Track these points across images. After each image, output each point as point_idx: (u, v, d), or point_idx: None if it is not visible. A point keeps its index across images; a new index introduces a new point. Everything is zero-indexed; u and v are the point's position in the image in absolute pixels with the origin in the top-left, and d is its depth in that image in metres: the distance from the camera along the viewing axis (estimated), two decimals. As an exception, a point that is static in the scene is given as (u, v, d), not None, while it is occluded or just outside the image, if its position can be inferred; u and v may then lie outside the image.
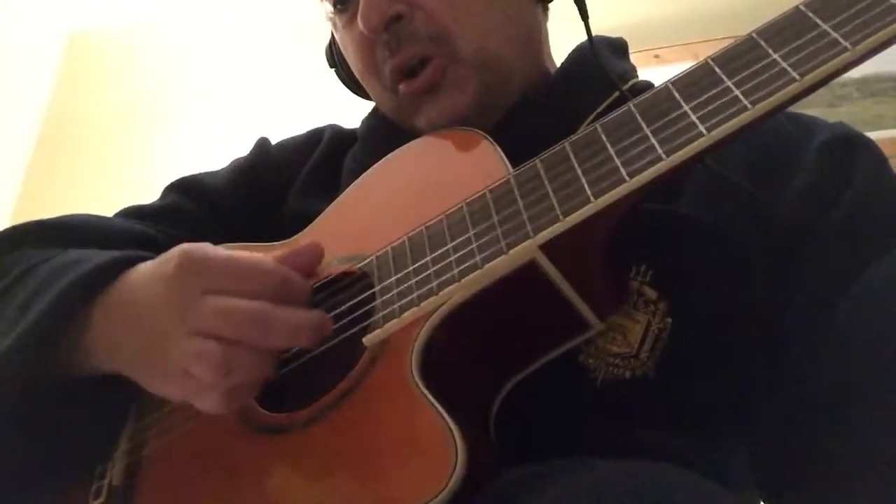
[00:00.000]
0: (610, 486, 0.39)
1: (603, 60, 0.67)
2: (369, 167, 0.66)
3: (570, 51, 0.72)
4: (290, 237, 0.67)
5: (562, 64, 0.71)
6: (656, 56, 1.97)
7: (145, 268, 0.55)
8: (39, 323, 0.54)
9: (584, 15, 0.67)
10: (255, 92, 2.27)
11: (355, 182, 0.66)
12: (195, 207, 0.77)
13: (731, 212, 0.57)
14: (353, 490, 0.47)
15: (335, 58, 0.78)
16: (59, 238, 0.67)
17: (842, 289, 0.51)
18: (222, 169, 0.82)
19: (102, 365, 0.56)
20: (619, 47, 0.73)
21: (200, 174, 0.81)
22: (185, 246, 0.52)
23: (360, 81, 0.72)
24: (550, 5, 0.72)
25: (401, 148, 0.65)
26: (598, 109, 0.64)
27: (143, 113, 2.35)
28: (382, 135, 0.73)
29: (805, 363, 0.53)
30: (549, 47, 0.74)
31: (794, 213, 0.56)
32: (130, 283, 0.55)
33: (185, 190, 0.78)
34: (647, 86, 0.70)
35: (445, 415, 0.44)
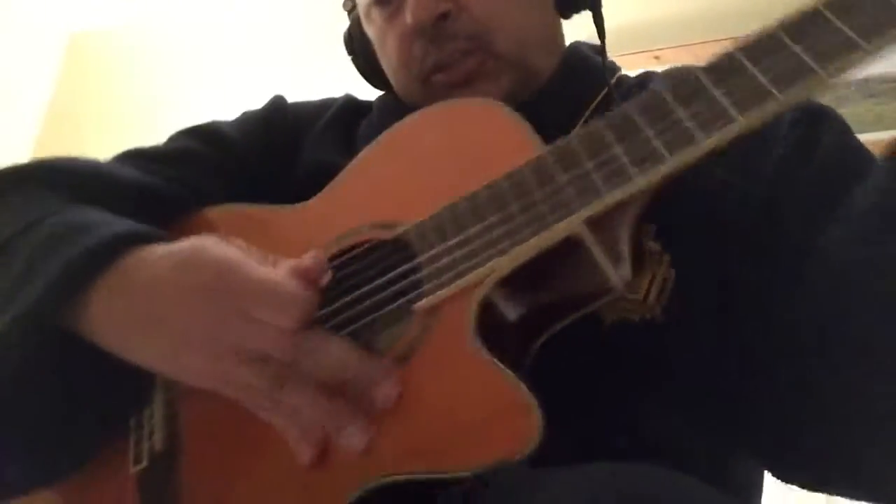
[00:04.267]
0: (603, 492, 0.39)
1: (594, 58, 0.76)
2: None
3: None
4: (305, 188, 0.67)
5: (559, 63, 0.75)
6: (656, 57, 1.97)
7: (165, 261, 0.54)
8: (37, 305, 0.53)
9: (599, 22, 0.74)
10: (256, 92, 2.27)
11: (375, 142, 0.65)
12: (211, 153, 0.76)
13: (722, 174, 0.61)
14: (426, 451, 0.49)
15: (354, 47, 0.79)
16: (68, 185, 0.65)
17: (826, 217, 0.56)
18: (234, 119, 0.81)
19: (111, 349, 0.55)
20: (598, 50, 0.78)
21: (213, 122, 0.80)
22: (217, 255, 0.52)
23: (389, 72, 0.75)
24: None
25: (422, 111, 0.65)
26: (599, 98, 0.70)
27: (143, 113, 2.35)
28: (400, 110, 0.74)
29: (797, 296, 0.56)
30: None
31: (775, 176, 0.62)
32: (146, 275, 0.54)
33: (199, 136, 0.77)
34: (634, 81, 0.76)
35: (516, 377, 0.47)
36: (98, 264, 0.55)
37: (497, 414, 0.48)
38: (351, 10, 0.79)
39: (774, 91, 0.47)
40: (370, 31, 0.75)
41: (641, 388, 0.58)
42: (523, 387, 0.47)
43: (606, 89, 0.71)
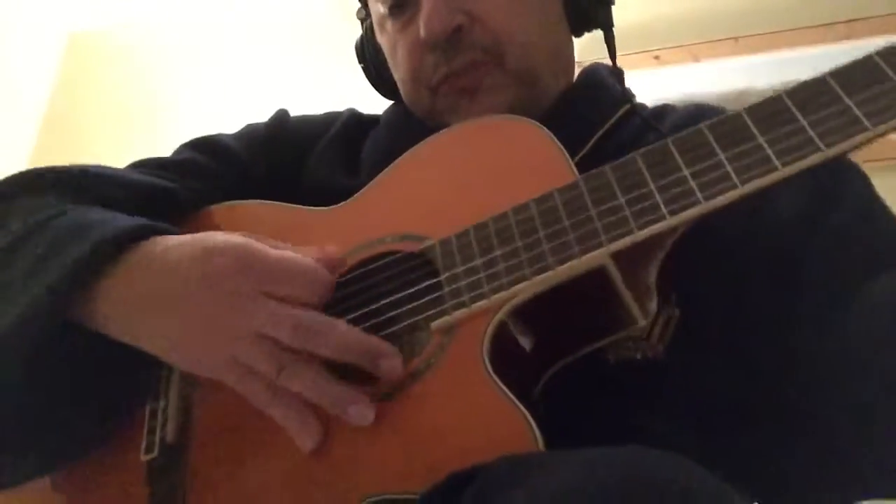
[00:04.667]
0: (594, 477, 0.39)
1: (611, 82, 0.74)
2: (392, 153, 0.66)
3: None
4: (307, 204, 0.67)
5: (576, 81, 0.76)
6: (656, 57, 1.97)
7: (178, 250, 0.55)
8: (49, 293, 0.54)
9: (611, 42, 0.73)
10: (256, 92, 2.27)
11: (405, 156, 0.66)
12: (215, 165, 0.76)
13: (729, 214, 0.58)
14: (423, 465, 0.49)
15: (366, 55, 0.79)
16: (74, 186, 0.66)
17: (843, 300, 0.54)
18: (237, 132, 0.81)
19: (119, 337, 0.56)
20: (618, 75, 0.78)
21: (218, 135, 0.80)
22: (234, 241, 0.53)
23: (399, 82, 0.74)
24: None
25: (453, 126, 0.65)
26: (612, 120, 0.69)
27: (143, 113, 2.35)
28: (409, 123, 0.75)
29: (806, 356, 0.55)
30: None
31: (796, 221, 0.59)
32: (159, 263, 0.55)
33: (204, 148, 0.78)
34: (650, 112, 0.75)
35: (524, 410, 0.47)
36: (107, 257, 0.55)
37: (498, 442, 0.47)
38: (364, 19, 0.79)
39: (821, 144, 0.46)
40: (382, 40, 0.75)
41: (640, 424, 0.56)
42: (528, 417, 0.47)
43: (621, 111, 0.70)
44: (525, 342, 0.54)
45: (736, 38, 1.93)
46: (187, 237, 0.56)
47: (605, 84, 0.75)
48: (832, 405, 0.53)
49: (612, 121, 0.69)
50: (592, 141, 0.67)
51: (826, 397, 0.54)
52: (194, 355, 0.54)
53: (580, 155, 0.64)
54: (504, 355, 0.51)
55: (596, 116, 0.70)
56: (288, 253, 0.53)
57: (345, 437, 0.52)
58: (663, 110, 0.75)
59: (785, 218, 0.60)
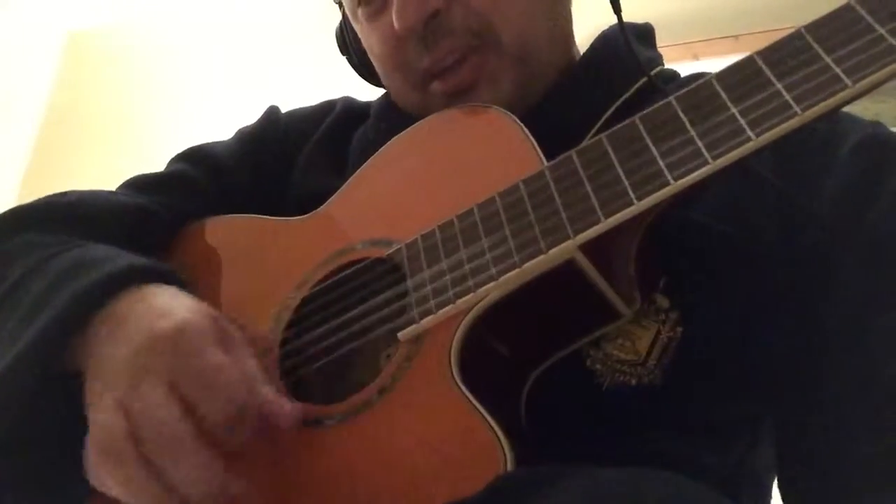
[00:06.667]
0: (611, 494, 0.39)
1: (625, 51, 0.65)
2: (381, 146, 0.64)
3: (580, 34, 0.71)
4: (294, 211, 0.65)
5: (587, 50, 0.69)
6: (656, 55, 1.97)
7: (144, 303, 0.51)
8: (39, 341, 0.52)
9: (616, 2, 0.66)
10: (255, 91, 2.27)
11: (375, 156, 0.63)
12: (201, 176, 0.74)
13: (755, 216, 0.55)
14: (394, 489, 0.46)
15: (348, 45, 0.75)
16: (60, 220, 0.64)
17: (879, 301, 0.49)
18: (230, 138, 0.79)
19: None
20: (645, 34, 0.72)
21: (207, 143, 0.79)
22: (184, 323, 0.47)
23: (383, 77, 0.70)
24: None
25: (423, 121, 0.62)
26: (625, 96, 0.63)
27: (143, 112, 2.35)
28: (400, 116, 0.69)
29: (838, 377, 0.50)
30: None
31: (824, 218, 0.54)
32: (125, 311, 0.51)
33: (192, 159, 0.76)
34: (674, 74, 0.69)
35: (492, 421, 0.44)
36: (102, 297, 0.52)
37: (463, 462, 0.44)
38: (340, 3, 0.73)
39: (797, 108, 0.43)
40: (357, 29, 0.71)
41: (635, 451, 0.52)
42: (498, 432, 0.44)
43: (635, 87, 0.63)
44: (502, 345, 0.51)
45: (736, 37, 1.94)
46: (169, 293, 0.52)
47: (617, 55, 0.65)
48: (868, 443, 0.47)
49: (620, 101, 0.62)
50: (598, 124, 0.61)
51: (862, 432, 0.47)
52: (95, 422, 0.48)
53: (588, 137, 0.59)
54: (478, 362, 0.49)
55: (606, 94, 0.63)
56: (224, 360, 0.46)
57: (313, 461, 0.50)
58: (696, 78, 0.65)
59: (821, 216, 0.54)
